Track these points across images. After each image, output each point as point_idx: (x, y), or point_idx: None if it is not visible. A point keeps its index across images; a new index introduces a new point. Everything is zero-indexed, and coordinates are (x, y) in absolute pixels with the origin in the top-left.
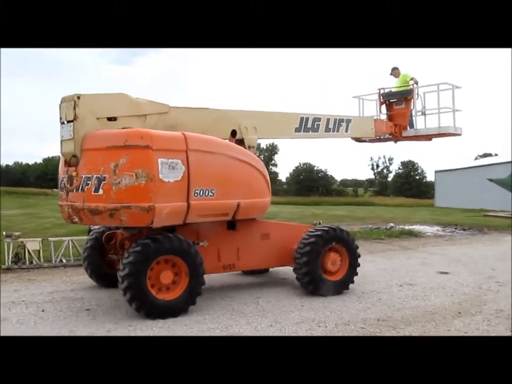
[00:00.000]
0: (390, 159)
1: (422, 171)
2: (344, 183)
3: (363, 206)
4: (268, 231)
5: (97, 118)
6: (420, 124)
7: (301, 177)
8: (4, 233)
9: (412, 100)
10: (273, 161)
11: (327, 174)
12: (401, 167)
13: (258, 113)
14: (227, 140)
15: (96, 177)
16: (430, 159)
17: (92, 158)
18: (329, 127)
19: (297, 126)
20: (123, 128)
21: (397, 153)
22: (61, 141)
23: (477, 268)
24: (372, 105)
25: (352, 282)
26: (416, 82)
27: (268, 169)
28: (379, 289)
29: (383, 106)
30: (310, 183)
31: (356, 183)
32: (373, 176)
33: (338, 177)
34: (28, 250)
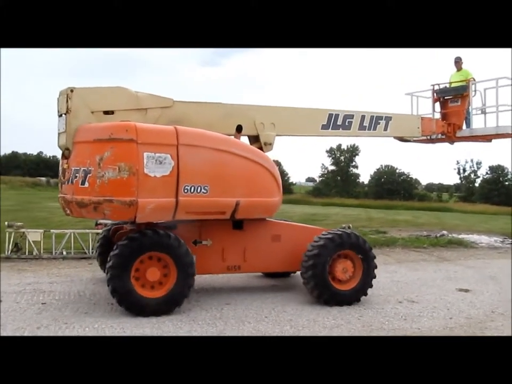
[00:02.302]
0: (478, 163)
1: None
2: (430, 187)
3: (437, 212)
4: (279, 232)
5: (92, 112)
6: (480, 123)
7: (382, 180)
8: (6, 223)
9: (468, 97)
10: (354, 163)
11: (410, 178)
12: (489, 172)
13: (278, 108)
14: (232, 136)
15: (83, 169)
16: None
17: (81, 151)
18: (364, 124)
19: (325, 123)
20: (121, 121)
21: (486, 157)
22: (58, 134)
23: (509, 288)
24: (428, 103)
25: (365, 294)
26: (473, 79)
27: (347, 171)
28: (371, 305)
29: (437, 104)
30: (391, 187)
31: (441, 188)
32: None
33: (424, 181)
34: (29, 241)
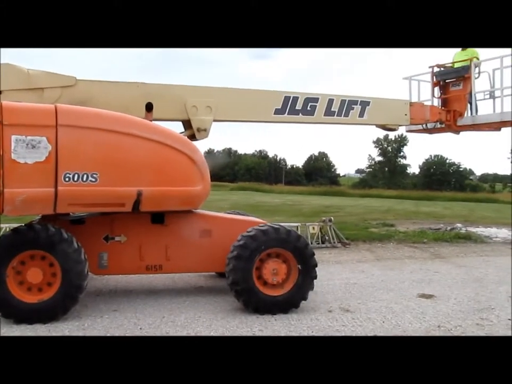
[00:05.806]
0: None
1: None
2: (485, 178)
3: (479, 203)
4: (210, 227)
5: None
6: (489, 109)
7: (431, 170)
8: None
9: (470, 79)
10: (402, 153)
11: (462, 168)
12: None
13: (216, 90)
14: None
15: None
16: None
17: None
18: (333, 110)
19: (279, 107)
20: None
21: None
22: None
23: (490, 291)
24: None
25: (304, 299)
26: (477, 58)
27: (395, 162)
28: (289, 314)
29: (437, 89)
30: (441, 177)
31: (496, 178)
32: None
33: (479, 171)
34: None
